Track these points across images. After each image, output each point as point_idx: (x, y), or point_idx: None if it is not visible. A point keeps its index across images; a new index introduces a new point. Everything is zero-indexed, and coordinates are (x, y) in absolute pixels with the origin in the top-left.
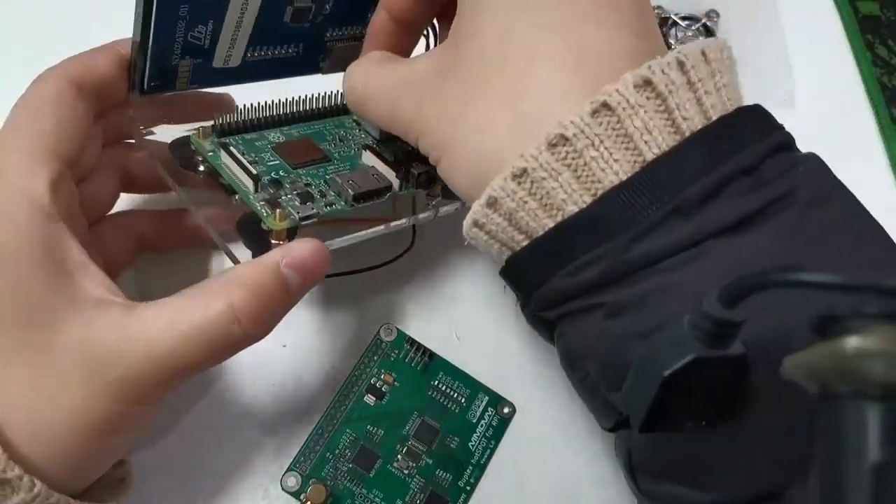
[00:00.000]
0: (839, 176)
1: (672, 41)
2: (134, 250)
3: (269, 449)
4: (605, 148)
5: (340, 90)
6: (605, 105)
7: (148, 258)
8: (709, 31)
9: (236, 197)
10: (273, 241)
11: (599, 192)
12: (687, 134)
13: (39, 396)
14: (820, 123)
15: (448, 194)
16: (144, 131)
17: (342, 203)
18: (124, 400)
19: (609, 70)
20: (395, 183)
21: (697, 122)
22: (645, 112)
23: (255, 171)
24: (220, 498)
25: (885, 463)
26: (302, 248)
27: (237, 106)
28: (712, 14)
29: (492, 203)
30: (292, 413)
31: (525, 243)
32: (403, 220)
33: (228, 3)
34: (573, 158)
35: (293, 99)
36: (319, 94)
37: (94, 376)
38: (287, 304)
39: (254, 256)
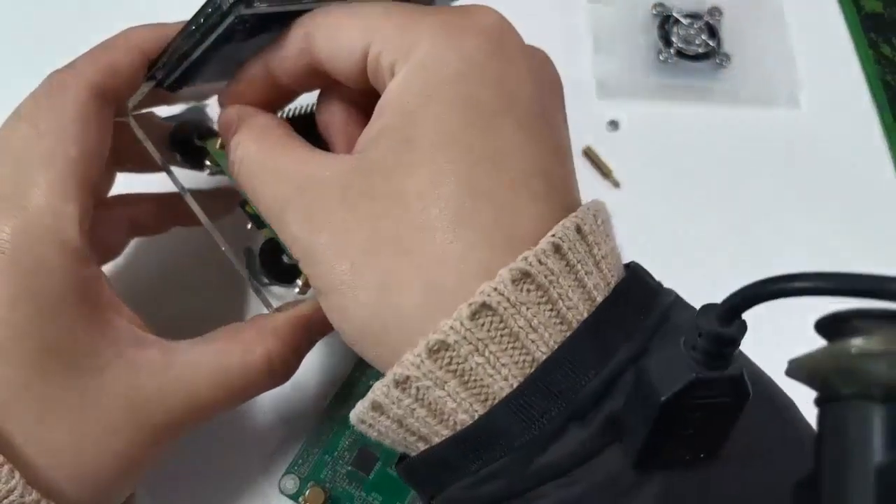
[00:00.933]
0: (838, 176)
1: (674, 38)
2: (128, 237)
3: (267, 451)
4: (491, 352)
5: None
6: (485, 305)
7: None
8: (711, 29)
9: (250, 226)
10: (301, 285)
11: (489, 401)
12: (574, 324)
13: (84, 443)
14: (824, 122)
15: None
16: (136, 114)
17: None
18: (164, 442)
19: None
20: None
21: (583, 310)
22: (527, 308)
23: None
24: (217, 501)
25: (889, 464)
26: None
27: None
28: (714, 11)
29: (377, 407)
30: (291, 415)
31: (420, 445)
32: None
33: (278, 30)
34: (458, 364)
35: (302, 107)
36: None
37: (140, 422)
38: (308, 351)
39: (267, 283)
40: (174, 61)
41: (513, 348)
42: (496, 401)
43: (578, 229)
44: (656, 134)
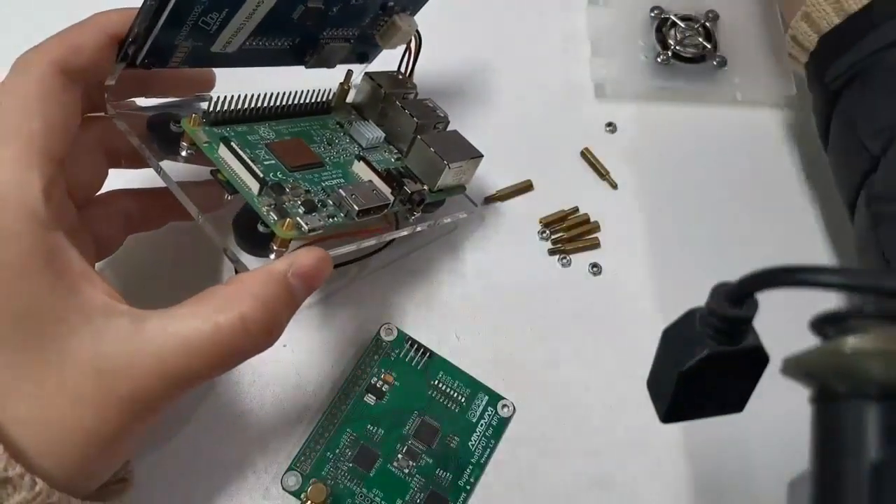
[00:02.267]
0: None
1: (671, 41)
2: (124, 233)
3: (269, 448)
4: None
5: (321, 88)
6: None
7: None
8: (708, 32)
9: (228, 197)
10: (276, 248)
11: None
12: None
13: (50, 412)
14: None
15: (427, 210)
16: (117, 104)
17: (341, 215)
18: (135, 413)
19: None
20: (391, 199)
21: None
22: None
23: (261, 174)
24: (220, 497)
25: (884, 462)
26: (308, 258)
27: (228, 96)
28: (711, 14)
29: None
30: (292, 412)
31: None
32: (392, 233)
33: None
34: None
35: (280, 93)
36: (303, 91)
37: (106, 392)
38: (293, 312)
39: (247, 253)
40: (144, 29)
41: None
42: None
43: None
44: (653, 135)
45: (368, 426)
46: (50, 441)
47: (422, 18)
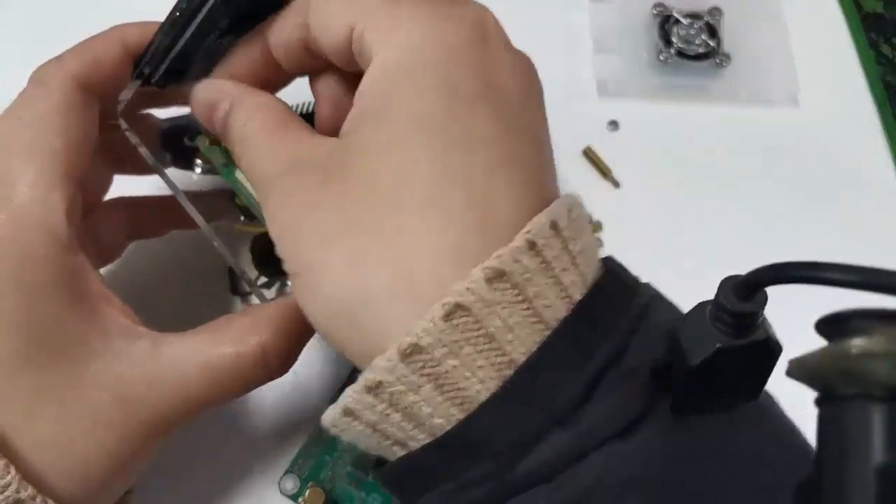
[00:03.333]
0: (838, 176)
1: (674, 38)
2: (127, 240)
3: (266, 451)
4: (466, 355)
5: None
6: (459, 306)
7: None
8: (711, 29)
9: (241, 218)
10: None
11: (466, 405)
12: (552, 323)
13: (72, 435)
14: (824, 122)
15: None
16: (125, 113)
17: None
18: (156, 436)
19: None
20: None
21: (561, 308)
22: (503, 308)
23: None
24: (218, 500)
25: (890, 464)
26: None
27: None
28: (715, 11)
29: (349, 413)
30: (290, 415)
31: (396, 450)
32: None
33: (263, 20)
34: (432, 367)
35: (298, 105)
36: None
37: (128, 416)
38: (306, 342)
39: (264, 276)
40: (160, 53)
41: (489, 350)
42: (473, 405)
43: (553, 225)
44: (656, 134)
45: None
46: (71, 463)
47: None
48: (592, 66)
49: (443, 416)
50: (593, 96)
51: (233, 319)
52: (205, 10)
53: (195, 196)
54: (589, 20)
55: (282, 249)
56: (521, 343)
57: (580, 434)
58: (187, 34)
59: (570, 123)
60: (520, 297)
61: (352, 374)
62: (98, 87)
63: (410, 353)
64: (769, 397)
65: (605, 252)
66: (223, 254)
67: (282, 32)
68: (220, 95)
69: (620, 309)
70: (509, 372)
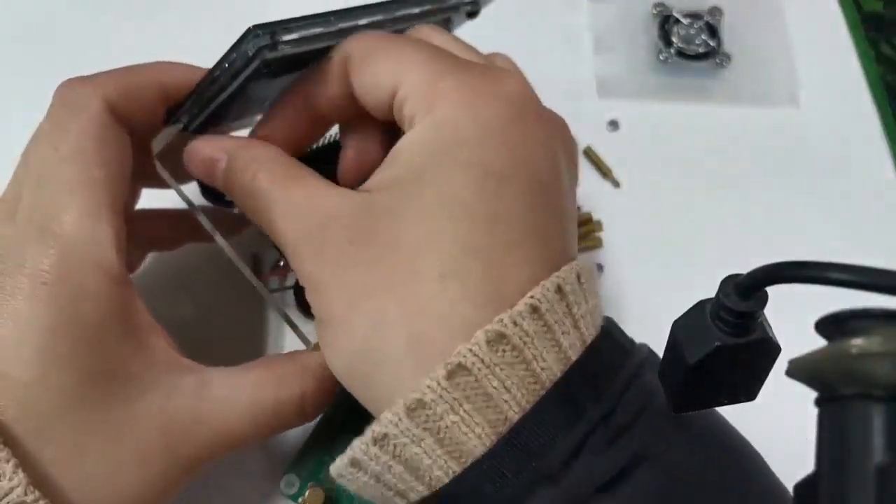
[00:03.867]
0: (838, 176)
1: (674, 38)
2: (145, 253)
3: (267, 451)
4: (465, 411)
5: None
6: (461, 366)
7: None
8: (711, 29)
9: (282, 262)
10: None
11: (464, 459)
12: (547, 384)
13: (118, 471)
14: (824, 122)
15: None
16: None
17: None
18: (193, 471)
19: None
20: None
21: (556, 370)
22: (501, 369)
23: None
24: (218, 500)
25: (890, 464)
26: None
27: None
28: (715, 11)
29: (355, 463)
30: None
31: (398, 501)
32: None
33: (304, 67)
34: (434, 422)
35: (326, 138)
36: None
37: (172, 452)
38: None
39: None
40: (200, 105)
41: (487, 408)
42: (470, 459)
43: (559, 289)
44: (656, 133)
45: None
46: (116, 498)
47: None
48: (593, 66)
49: (441, 469)
50: (593, 96)
51: (277, 363)
52: (250, 70)
53: (216, 212)
54: (589, 20)
55: (310, 298)
56: (517, 403)
57: (568, 488)
58: (230, 90)
59: (570, 123)
60: (518, 359)
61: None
62: (129, 118)
63: (415, 409)
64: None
65: (604, 252)
66: (279, 311)
67: (325, 84)
68: (215, 152)
69: (614, 370)
70: (504, 429)
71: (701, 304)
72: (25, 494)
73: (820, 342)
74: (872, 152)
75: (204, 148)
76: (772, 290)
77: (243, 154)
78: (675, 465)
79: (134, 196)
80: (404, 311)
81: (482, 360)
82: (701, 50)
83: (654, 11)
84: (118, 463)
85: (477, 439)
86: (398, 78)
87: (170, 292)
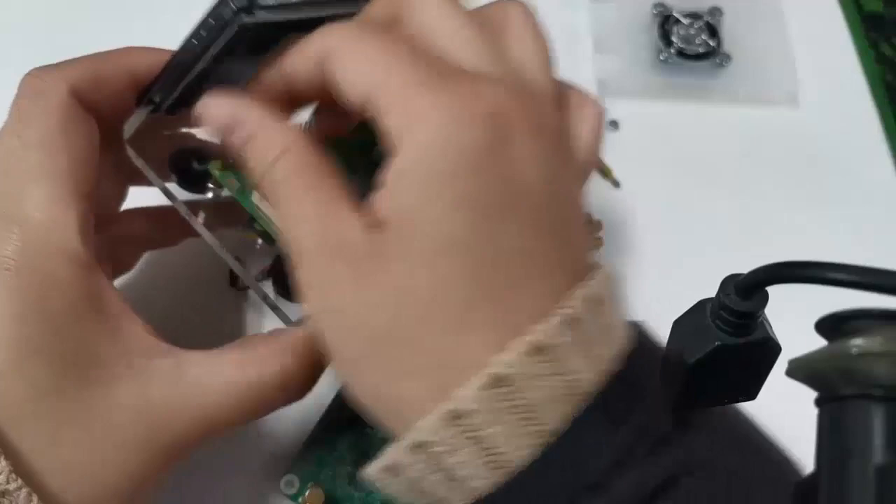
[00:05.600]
0: (837, 176)
1: (674, 38)
2: (140, 250)
3: (267, 451)
4: (505, 422)
5: None
6: (500, 377)
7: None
8: (711, 29)
9: (259, 243)
10: None
11: (502, 469)
12: (586, 395)
13: (96, 457)
14: (823, 122)
15: None
16: (132, 139)
17: None
18: (176, 458)
19: None
20: None
21: (593, 380)
22: (540, 380)
23: None
24: (218, 500)
25: (890, 464)
26: None
27: None
28: (715, 11)
29: (390, 469)
30: (291, 415)
31: None
32: None
33: (278, 42)
34: (472, 432)
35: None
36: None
37: (151, 438)
38: (326, 367)
39: (284, 299)
40: (173, 80)
41: (526, 419)
42: (509, 468)
43: (590, 299)
44: (656, 133)
45: (368, 429)
46: (94, 487)
47: None
48: (593, 66)
49: (480, 478)
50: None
51: (256, 342)
52: (221, 42)
53: (203, 208)
54: (589, 20)
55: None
56: (558, 413)
57: (615, 498)
58: (202, 64)
59: None
60: (556, 370)
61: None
62: (96, 105)
63: (453, 417)
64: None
65: (604, 252)
66: (257, 290)
67: (301, 69)
68: (239, 118)
69: (649, 375)
70: (545, 440)
71: (701, 304)
72: (8, 482)
73: (821, 342)
74: (872, 152)
75: (226, 106)
76: (772, 290)
77: (271, 132)
78: (724, 473)
79: (120, 194)
80: (420, 362)
81: (521, 372)
82: (701, 50)
83: (654, 11)
84: (97, 450)
85: (517, 450)
86: (372, 83)
87: (152, 284)
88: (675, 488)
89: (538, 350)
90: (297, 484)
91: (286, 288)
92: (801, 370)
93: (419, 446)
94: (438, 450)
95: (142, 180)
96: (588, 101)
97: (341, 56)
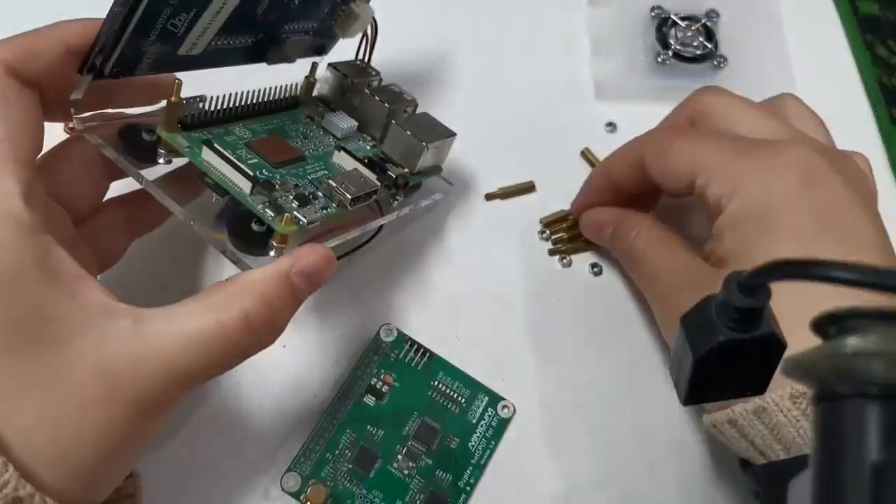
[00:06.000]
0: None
1: (672, 41)
2: (126, 240)
3: (268, 449)
4: None
5: (286, 83)
6: None
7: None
8: (708, 31)
9: (215, 198)
10: (276, 245)
11: None
12: None
13: (59, 420)
14: None
15: (408, 194)
16: (84, 117)
17: (334, 206)
18: (144, 414)
19: None
20: (379, 185)
21: None
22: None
23: (251, 172)
24: (219, 498)
25: (885, 463)
26: (311, 255)
27: (204, 98)
28: (712, 14)
29: (732, 422)
30: (292, 413)
31: (757, 457)
32: (380, 220)
33: None
34: (806, 412)
35: (249, 92)
36: (270, 88)
37: (114, 395)
38: (294, 310)
39: (242, 253)
40: (111, 39)
41: None
42: None
43: None
44: None
45: (368, 427)
46: (60, 448)
47: (421, 19)
48: (590, 69)
49: (803, 443)
50: (591, 98)
51: (215, 289)
52: None
53: (171, 181)
54: (586, 22)
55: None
56: None
57: None
58: (137, 15)
59: (568, 125)
60: None
61: (354, 371)
62: (32, 76)
63: (797, 397)
64: None
65: (602, 253)
66: (211, 242)
67: (622, 173)
68: (605, 219)
69: None
70: None
71: (707, 300)
72: None
73: (816, 341)
74: (868, 153)
75: (598, 216)
76: (774, 289)
77: (628, 220)
78: None
79: (99, 190)
80: None
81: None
82: (698, 52)
83: (652, 14)
84: (56, 412)
85: None
86: (694, 168)
87: (145, 271)
88: None
89: None
90: (298, 481)
91: (245, 240)
92: (797, 369)
93: (762, 411)
94: (778, 418)
95: (118, 172)
96: (791, 101)
97: (660, 154)
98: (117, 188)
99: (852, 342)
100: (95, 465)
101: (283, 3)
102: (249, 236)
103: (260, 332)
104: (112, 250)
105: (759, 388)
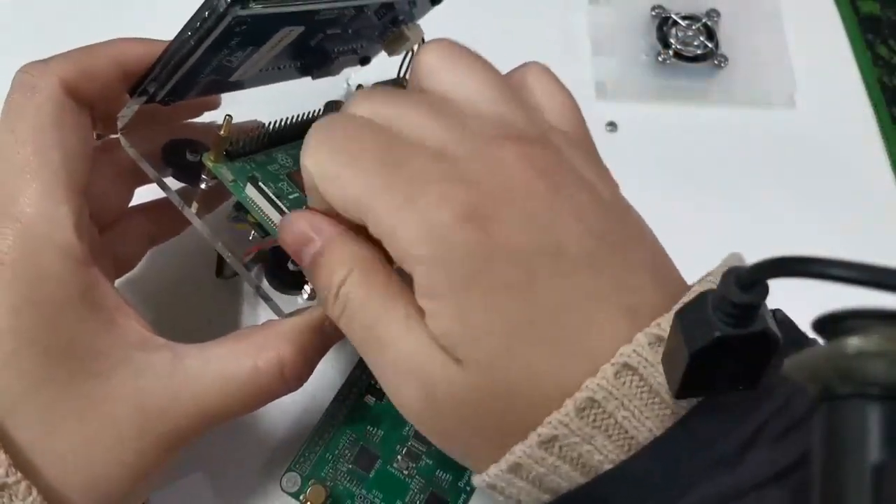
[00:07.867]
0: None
1: (672, 40)
2: (145, 247)
3: (268, 449)
4: (635, 406)
5: (322, 104)
6: (627, 365)
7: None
8: (709, 31)
9: (252, 235)
10: (308, 290)
11: (633, 449)
12: None
13: (92, 450)
14: (821, 123)
15: None
16: (127, 130)
17: None
18: (173, 449)
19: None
20: None
21: None
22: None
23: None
24: (218, 498)
25: (886, 463)
26: None
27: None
28: (712, 13)
29: (514, 469)
30: (292, 413)
31: (547, 498)
32: None
33: (272, 35)
34: (603, 419)
35: (292, 117)
36: (313, 112)
37: (147, 430)
38: (323, 356)
39: (277, 291)
40: (167, 71)
41: (653, 403)
42: (636, 446)
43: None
44: (655, 135)
45: (368, 427)
46: (91, 478)
47: (420, 19)
48: (591, 68)
49: (612, 462)
50: (592, 98)
51: (251, 333)
52: (215, 34)
53: (195, 196)
54: (587, 22)
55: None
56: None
57: (744, 474)
58: (197, 55)
59: None
60: None
61: (354, 371)
62: (87, 97)
63: (585, 408)
64: None
65: None
66: (249, 281)
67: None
68: (312, 232)
69: (782, 352)
70: (673, 420)
71: (703, 295)
72: (7, 476)
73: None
74: (869, 153)
75: (300, 222)
76: (774, 287)
77: (341, 246)
78: None
79: (125, 196)
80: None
81: (646, 359)
82: (699, 52)
83: (653, 14)
84: (92, 442)
85: (647, 431)
86: (362, 212)
87: (161, 284)
88: (804, 468)
89: (658, 340)
90: (298, 482)
91: (280, 280)
92: (798, 369)
93: (549, 441)
94: (570, 441)
95: (144, 179)
96: (534, 71)
97: (323, 182)
98: (140, 194)
99: (854, 342)
100: (123, 495)
101: (338, 33)
102: (285, 276)
103: (291, 379)
104: (130, 258)
105: (753, 383)
